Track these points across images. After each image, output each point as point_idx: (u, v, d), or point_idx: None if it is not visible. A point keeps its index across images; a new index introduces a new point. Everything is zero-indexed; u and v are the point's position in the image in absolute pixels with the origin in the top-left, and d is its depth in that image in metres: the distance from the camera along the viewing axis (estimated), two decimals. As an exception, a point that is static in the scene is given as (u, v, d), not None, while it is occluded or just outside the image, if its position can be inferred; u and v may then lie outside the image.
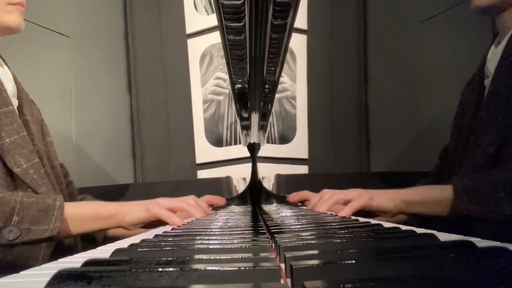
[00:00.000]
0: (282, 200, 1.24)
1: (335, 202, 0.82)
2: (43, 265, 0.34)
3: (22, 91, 0.88)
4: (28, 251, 0.65)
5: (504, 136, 0.73)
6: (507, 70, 0.76)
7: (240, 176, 1.46)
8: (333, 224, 0.55)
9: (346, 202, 0.80)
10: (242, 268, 0.24)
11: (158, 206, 0.78)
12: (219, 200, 1.07)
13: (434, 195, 0.76)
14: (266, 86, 0.74)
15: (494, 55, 0.82)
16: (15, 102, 0.84)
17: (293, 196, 1.05)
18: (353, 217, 0.70)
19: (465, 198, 0.70)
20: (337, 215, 0.73)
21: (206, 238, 0.43)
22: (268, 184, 1.39)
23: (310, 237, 0.40)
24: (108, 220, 0.77)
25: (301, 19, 1.54)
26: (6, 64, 0.89)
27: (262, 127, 1.02)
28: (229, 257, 0.29)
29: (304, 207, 1.01)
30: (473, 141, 0.78)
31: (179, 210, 0.81)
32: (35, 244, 0.65)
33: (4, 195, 0.65)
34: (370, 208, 0.78)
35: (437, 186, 0.78)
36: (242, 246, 0.35)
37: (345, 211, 0.76)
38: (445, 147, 0.99)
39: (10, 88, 0.84)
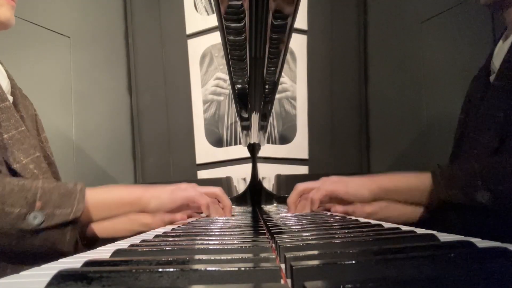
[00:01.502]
0: (282, 201, 1.24)
1: (301, 192, 0.81)
2: (43, 266, 0.34)
3: (16, 87, 0.87)
4: (53, 235, 0.65)
5: (505, 133, 0.72)
6: (510, 66, 0.75)
7: (240, 176, 1.46)
8: (333, 224, 0.55)
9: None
10: (242, 269, 0.25)
11: (186, 190, 0.77)
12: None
13: (411, 182, 0.75)
14: (266, 87, 0.74)
15: (501, 50, 0.81)
16: (9, 99, 0.82)
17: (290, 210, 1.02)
18: (353, 218, 0.70)
19: (442, 184, 0.69)
20: (337, 216, 0.73)
21: (206, 238, 0.43)
22: (268, 184, 1.39)
23: (310, 238, 0.40)
24: (132, 205, 0.76)
25: (301, 19, 1.54)
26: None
27: (262, 128, 1.02)
28: (229, 258, 0.29)
29: None
30: (473, 137, 0.77)
31: (212, 196, 0.79)
32: (60, 228, 0.65)
33: (25, 182, 0.65)
34: (345, 194, 0.77)
35: (415, 174, 0.76)
36: (242, 246, 0.35)
37: (316, 194, 0.76)
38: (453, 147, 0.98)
39: (5, 84, 0.83)
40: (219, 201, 0.82)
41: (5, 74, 0.86)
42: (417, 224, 0.73)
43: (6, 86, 0.83)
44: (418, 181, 0.74)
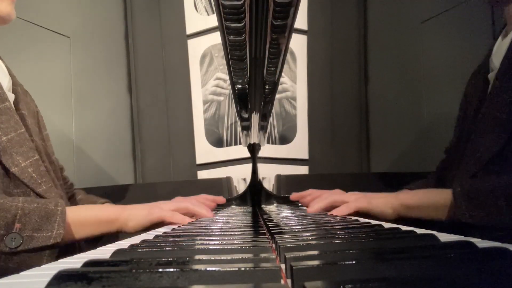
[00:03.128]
0: (282, 201, 1.24)
1: (332, 203, 0.82)
2: (43, 266, 0.34)
3: (17, 83, 0.86)
4: (30, 259, 0.63)
5: (508, 134, 0.71)
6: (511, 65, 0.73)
7: (240, 176, 1.46)
8: (334, 224, 0.55)
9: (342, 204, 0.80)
10: (243, 269, 0.25)
11: (161, 209, 0.77)
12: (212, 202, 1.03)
13: (433, 200, 0.75)
14: (266, 87, 0.74)
15: (500, 48, 0.80)
16: (11, 96, 0.82)
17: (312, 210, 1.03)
18: (353, 218, 0.70)
19: (464, 205, 0.68)
20: (337, 216, 0.73)
21: (206, 238, 0.43)
22: (268, 184, 1.39)
23: (310, 238, 0.40)
24: (110, 225, 0.76)
25: (301, 20, 1.54)
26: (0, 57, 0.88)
27: (262, 128, 1.02)
28: (229, 258, 0.29)
29: (304, 208, 1.01)
30: (474, 139, 0.76)
31: (183, 211, 0.80)
32: (37, 252, 0.63)
33: (5, 201, 0.63)
34: (368, 212, 0.78)
35: (437, 190, 0.77)
36: (242, 246, 0.35)
37: (342, 209, 0.76)
38: (451, 142, 0.97)
39: (6, 82, 0.82)
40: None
41: (6, 71, 0.84)
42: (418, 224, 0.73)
43: (8, 84, 0.82)
44: (440, 198, 0.73)
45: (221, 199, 1.04)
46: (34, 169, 0.75)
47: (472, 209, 0.67)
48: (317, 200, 0.85)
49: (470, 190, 0.69)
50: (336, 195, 0.84)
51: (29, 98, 0.90)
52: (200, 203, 0.85)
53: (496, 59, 0.79)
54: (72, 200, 1.00)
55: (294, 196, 1.05)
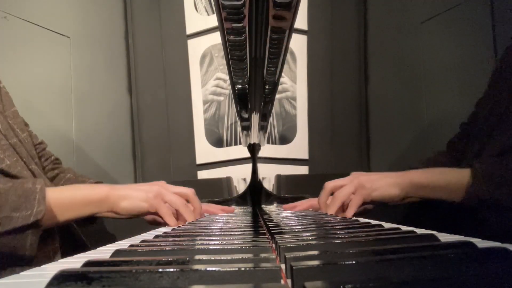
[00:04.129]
0: (282, 201, 1.24)
1: (330, 191, 0.78)
2: (43, 266, 0.34)
3: None
4: (12, 241, 0.59)
5: None
6: None
7: (240, 176, 1.46)
8: (333, 224, 0.55)
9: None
10: (243, 269, 0.25)
11: (160, 201, 0.72)
12: (217, 210, 0.99)
13: (448, 179, 0.69)
14: (266, 87, 0.74)
15: None
16: None
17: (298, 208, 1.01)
18: (353, 218, 0.70)
19: (484, 183, 0.63)
20: (337, 216, 0.73)
21: (206, 238, 0.43)
22: (268, 184, 1.39)
23: (310, 238, 0.40)
24: (98, 205, 0.70)
25: (301, 20, 1.54)
26: None
27: (262, 128, 1.02)
28: (230, 258, 0.29)
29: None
30: (506, 120, 0.71)
31: (182, 197, 0.76)
32: (19, 233, 0.59)
33: None
34: (372, 199, 0.72)
35: (451, 169, 0.70)
36: (242, 246, 0.35)
37: (349, 212, 0.73)
38: (470, 116, 0.92)
39: None
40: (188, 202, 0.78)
41: None
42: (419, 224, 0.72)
43: None
44: (456, 178, 0.68)
45: (230, 209, 1.01)
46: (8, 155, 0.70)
47: (493, 187, 0.62)
48: (323, 199, 0.80)
49: (491, 168, 0.64)
50: (340, 192, 0.77)
51: (4, 91, 0.86)
52: (194, 202, 0.79)
53: None
54: (58, 178, 0.95)
55: (286, 207, 1.04)
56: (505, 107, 0.74)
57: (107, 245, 0.48)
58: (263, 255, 0.30)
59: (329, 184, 0.80)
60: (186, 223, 0.74)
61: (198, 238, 0.44)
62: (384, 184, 0.72)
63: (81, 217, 0.71)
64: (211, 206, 0.99)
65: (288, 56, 1.54)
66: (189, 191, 0.78)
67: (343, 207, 0.77)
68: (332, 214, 0.76)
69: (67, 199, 0.67)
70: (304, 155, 1.53)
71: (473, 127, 0.86)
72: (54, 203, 0.65)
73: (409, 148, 1.40)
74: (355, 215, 0.74)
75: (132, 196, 0.72)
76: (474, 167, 0.66)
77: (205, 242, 0.40)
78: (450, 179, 0.69)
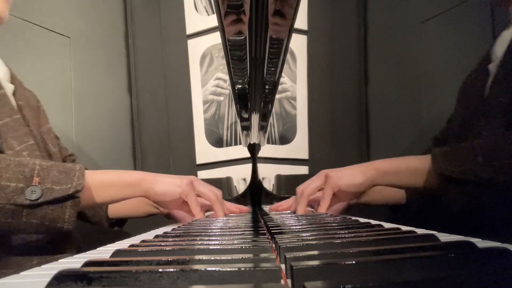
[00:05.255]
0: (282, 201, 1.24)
1: (308, 197, 0.80)
2: (43, 266, 0.34)
3: (15, 77, 0.86)
4: (52, 212, 0.62)
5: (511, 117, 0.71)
6: None
7: (240, 176, 1.46)
8: (333, 224, 0.55)
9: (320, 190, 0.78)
10: (243, 269, 0.25)
11: (192, 188, 0.76)
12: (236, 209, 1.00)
13: (412, 164, 0.73)
14: (266, 87, 0.74)
15: (503, 39, 0.80)
16: (10, 87, 0.82)
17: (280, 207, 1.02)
18: (353, 218, 0.70)
19: (442, 162, 0.67)
20: (337, 216, 0.73)
21: (206, 238, 0.43)
22: (269, 184, 1.39)
23: (310, 238, 0.40)
24: (134, 187, 0.74)
25: (301, 20, 1.54)
26: None
27: (262, 128, 1.02)
28: (229, 258, 0.29)
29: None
30: (480, 124, 0.75)
31: (206, 199, 0.79)
32: (60, 204, 0.63)
33: (22, 159, 0.63)
34: (339, 188, 0.75)
35: (415, 156, 0.75)
36: (242, 246, 0.35)
37: (323, 206, 0.75)
38: (441, 132, 0.98)
39: (2, 72, 0.82)
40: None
41: (2, 62, 0.84)
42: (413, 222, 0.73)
43: (4, 74, 0.82)
44: (419, 163, 0.72)
45: (246, 209, 1.02)
46: (29, 153, 0.74)
47: (449, 165, 0.66)
48: (299, 201, 0.82)
49: (449, 149, 0.68)
50: (308, 187, 0.80)
51: (28, 93, 0.90)
52: (224, 204, 0.83)
53: (499, 50, 0.80)
54: None
55: (272, 208, 1.04)
56: (470, 123, 0.79)
57: (107, 245, 0.48)
58: (263, 255, 0.30)
59: (299, 188, 0.82)
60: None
61: (198, 238, 0.44)
62: (349, 172, 0.75)
63: (117, 199, 0.74)
64: (231, 205, 1.00)
65: (288, 56, 1.54)
66: (219, 193, 0.81)
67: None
68: (331, 214, 0.76)
69: (104, 181, 0.72)
70: (304, 155, 1.53)
71: (444, 143, 0.92)
72: (92, 183, 0.69)
73: (409, 148, 1.40)
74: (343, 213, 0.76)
75: (166, 181, 0.76)
76: (433, 151, 0.70)
77: (205, 242, 0.40)
78: (413, 164, 0.73)
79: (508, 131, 0.70)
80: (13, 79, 0.85)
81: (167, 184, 0.75)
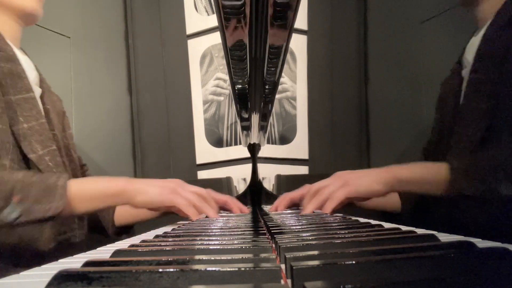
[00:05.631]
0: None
1: (325, 199, 0.77)
2: (43, 266, 0.34)
3: (44, 81, 0.88)
4: (30, 232, 0.61)
5: (489, 122, 0.71)
6: (486, 56, 0.75)
7: (240, 176, 1.46)
8: (333, 224, 0.55)
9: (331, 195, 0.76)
10: (243, 269, 0.25)
11: (177, 195, 0.74)
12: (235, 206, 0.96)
13: (430, 173, 0.72)
14: (266, 87, 0.74)
15: (472, 45, 0.82)
16: (38, 90, 0.83)
17: (280, 205, 0.98)
18: (353, 218, 0.70)
19: (461, 178, 0.66)
20: (337, 216, 0.73)
21: (206, 238, 0.43)
22: (269, 184, 1.39)
23: (310, 238, 0.40)
24: (115, 197, 0.72)
25: (301, 20, 1.54)
26: (27, 55, 0.89)
27: (262, 128, 1.02)
28: (229, 258, 0.29)
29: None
30: (457, 131, 0.76)
31: (195, 203, 0.76)
32: (38, 224, 0.61)
33: (4, 174, 0.61)
34: (357, 195, 0.74)
35: (434, 164, 0.73)
36: (242, 246, 0.35)
37: (328, 205, 0.73)
38: (428, 142, 0.99)
39: (33, 76, 0.83)
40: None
41: (33, 66, 0.86)
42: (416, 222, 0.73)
43: (34, 78, 0.84)
44: (436, 172, 0.71)
45: (246, 210, 0.99)
46: (51, 158, 0.75)
47: (469, 182, 0.65)
48: (307, 200, 0.79)
49: (467, 163, 0.67)
50: (317, 186, 0.78)
51: (55, 97, 0.92)
52: (209, 202, 0.80)
53: (470, 56, 0.81)
54: None
55: (271, 209, 1.03)
56: (449, 130, 0.80)
57: (107, 245, 0.48)
58: (263, 255, 0.30)
59: (314, 186, 0.80)
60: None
61: (198, 238, 0.44)
62: (368, 180, 0.74)
63: (99, 209, 0.73)
64: (233, 200, 0.98)
65: (288, 56, 1.54)
66: (204, 191, 0.79)
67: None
68: (327, 214, 0.76)
69: (86, 192, 0.70)
70: (304, 155, 1.53)
71: (430, 153, 0.93)
72: (73, 195, 0.67)
73: (409, 148, 1.40)
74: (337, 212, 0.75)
75: (148, 190, 0.73)
76: (450, 161, 0.69)
77: (205, 242, 0.40)
78: (432, 173, 0.72)
79: (491, 137, 0.70)
80: (42, 83, 0.86)
81: (148, 195, 0.73)
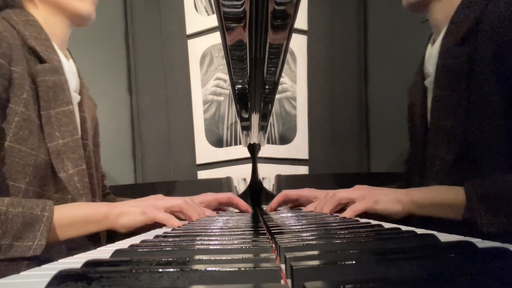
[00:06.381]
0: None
1: (339, 202, 0.78)
2: (43, 266, 0.34)
3: (83, 85, 0.88)
4: (6, 268, 0.59)
5: (461, 142, 0.71)
6: (447, 71, 0.74)
7: (240, 176, 1.46)
8: (334, 224, 0.55)
9: (350, 202, 0.76)
10: (243, 269, 0.25)
11: (155, 209, 0.73)
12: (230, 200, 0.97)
13: (448, 198, 0.69)
14: (266, 87, 0.74)
15: (431, 55, 0.81)
16: (77, 98, 0.83)
17: (274, 204, 0.99)
18: (354, 218, 0.70)
19: (480, 209, 0.63)
20: (337, 216, 0.73)
21: (206, 238, 0.43)
22: (269, 184, 1.39)
23: (310, 238, 0.40)
24: (98, 224, 0.71)
25: (301, 20, 1.54)
26: (72, 57, 0.88)
27: (263, 128, 1.02)
28: (229, 258, 0.29)
29: (303, 208, 1.01)
30: (430, 151, 0.75)
31: (176, 210, 0.76)
32: (15, 261, 0.59)
33: None
34: (374, 211, 0.73)
35: (452, 189, 0.71)
36: (242, 246, 0.35)
37: (348, 213, 0.73)
38: (409, 153, 0.99)
39: (74, 83, 0.83)
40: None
41: (76, 72, 0.86)
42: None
43: (75, 85, 0.84)
44: (455, 197, 0.68)
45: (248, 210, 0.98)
46: (79, 179, 0.75)
47: (491, 216, 0.62)
48: (324, 204, 0.79)
49: (486, 192, 0.64)
50: (343, 193, 0.78)
51: (91, 103, 0.92)
52: (193, 205, 0.79)
53: (430, 66, 0.80)
54: None
55: (268, 209, 1.02)
56: (421, 150, 0.80)
57: (107, 245, 0.48)
58: (263, 255, 0.30)
59: (332, 192, 0.80)
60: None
61: (198, 238, 0.44)
62: (387, 199, 0.73)
63: (83, 235, 0.72)
64: (236, 197, 0.97)
65: (288, 56, 1.54)
66: (182, 201, 0.77)
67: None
68: (331, 214, 0.76)
69: (68, 219, 0.68)
70: (304, 155, 1.53)
71: (411, 165, 0.94)
72: (56, 223, 0.65)
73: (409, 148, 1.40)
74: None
75: (129, 212, 0.72)
76: (467, 189, 0.67)
77: (205, 242, 0.40)
78: (449, 199, 0.70)
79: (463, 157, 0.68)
80: (81, 88, 0.87)
81: (130, 215, 0.72)
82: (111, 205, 0.73)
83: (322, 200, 0.81)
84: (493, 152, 0.69)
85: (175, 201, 0.76)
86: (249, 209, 0.94)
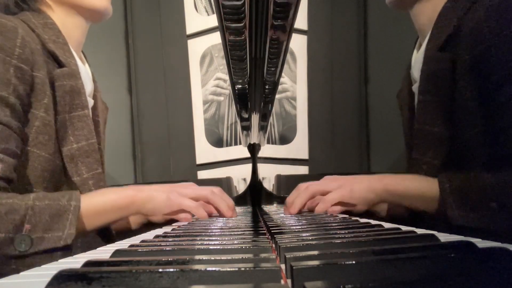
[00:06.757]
0: (282, 201, 1.24)
1: (312, 195, 0.77)
2: (43, 266, 0.34)
3: (97, 89, 0.88)
4: (42, 261, 0.58)
5: (447, 146, 0.70)
6: (431, 77, 0.73)
7: (240, 176, 1.46)
8: (333, 224, 0.55)
9: (324, 194, 0.75)
10: (243, 269, 0.25)
11: (181, 196, 0.72)
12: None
13: (421, 190, 0.68)
14: (266, 87, 0.74)
15: (417, 60, 0.81)
16: (91, 102, 0.83)
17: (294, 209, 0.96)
18: (353, 218, 0.70)
19: (452, 202, 0.62)
20: (337, 216, 0.73)
21: (206, 238, 0.43)
22: (269, 184, 1.39)
23: (310, 238, 0.40)
24: (126, 209, 0.71)
25: (301, 20, 1.54)
26: (87, 60, 0.88)
27: (263, 128, 1.02)
28: (230, 258, 0.29)
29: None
30: (415, 155, 0.75)
31: (203, 200, 0.75)
32: (49, 253, 0.59)
33: (15, 201, 0.58)
34: (350, 200, 0.73)
35: (426, 180, 0.69)
36: (242, 246, 0.35)
37: (321, 206, 0.73)
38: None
39: (89, 87, 0.83)
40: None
41: (91, 76, 0.86)
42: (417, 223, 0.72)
43: (90, 89, 0.83)
44: (428, 190, 0.67)
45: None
46: (94, 183, 0.74)
47: (460, 209, 0.62)
48: (296, 200, 0.77)
49: (459, 187, 0.63)
50: (316, 185, 0.77)
51: (103, 106, 0.92)
52: (221, 195, 0.77)
53: (416, 71, 0.80)
54: None
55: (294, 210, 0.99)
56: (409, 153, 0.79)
57: (107, 245, 0.48)
58: (263, 255, 0.30)
59: (303, 184, 0.79)
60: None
61: (198, 238, 0.44)
62: (360, 187, 0.73)
63: (111, 222, 0.72)
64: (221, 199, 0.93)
65: (288, 56, 1.54)
66: (207, 193, 0.76)
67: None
68: (331, 214, 0.75)
69: (96, 208, 0.68)
70: (304, 155, 1.53)
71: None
72: (84, 213, 0.65)
73: (409, 148, 1.40)
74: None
75: (155, 196, 0.72)
76: (441, 181, 0.66)
77: (205, 242, 0.40)
78: (423, 190, 0.69)
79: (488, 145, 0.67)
80: (95, 92, 0.86)
81: (156, 201, 0.72)
82: (138, 189, 0.73)
83: (294, 193, 0.80)
84: (476, 157, 0.68)
85: (202, 191, 0.75)
86: (230, 213, 0.82)
